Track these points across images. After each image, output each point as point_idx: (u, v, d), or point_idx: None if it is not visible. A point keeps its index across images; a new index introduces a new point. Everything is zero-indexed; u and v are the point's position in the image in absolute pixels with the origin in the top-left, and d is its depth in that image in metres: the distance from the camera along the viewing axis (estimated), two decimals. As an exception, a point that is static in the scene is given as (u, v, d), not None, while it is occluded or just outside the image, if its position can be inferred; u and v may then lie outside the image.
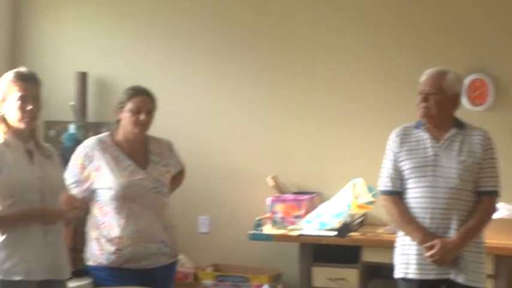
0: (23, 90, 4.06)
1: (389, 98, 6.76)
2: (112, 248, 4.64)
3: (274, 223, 6.46)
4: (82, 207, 4.59)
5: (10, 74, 4.13)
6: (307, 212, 6.41)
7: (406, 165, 4.50)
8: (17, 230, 4.03)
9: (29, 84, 4.10)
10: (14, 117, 4.07)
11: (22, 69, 4.19)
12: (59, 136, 6.99)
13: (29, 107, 4.06)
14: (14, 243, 4.02)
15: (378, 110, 6.78)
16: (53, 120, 6.93)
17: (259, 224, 6.31)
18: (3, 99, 4.09)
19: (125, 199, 4.66)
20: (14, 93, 4.05)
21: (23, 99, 4.05)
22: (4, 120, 4.10)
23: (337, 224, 6.16)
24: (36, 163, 4.15)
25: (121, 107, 4.79)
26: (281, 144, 7.04)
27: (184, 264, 6.62)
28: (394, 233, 4.83)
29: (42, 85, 4.19)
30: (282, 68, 7.04)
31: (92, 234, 4.75)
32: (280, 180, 6.85)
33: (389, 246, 4.86)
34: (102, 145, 4.76)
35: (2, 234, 4.02)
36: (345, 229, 6.12)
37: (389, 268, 4.72)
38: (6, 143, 4.07)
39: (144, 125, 4.77)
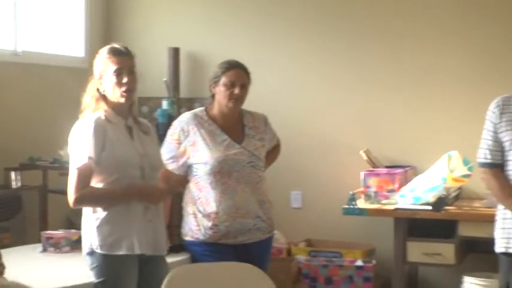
0: (117, 63, 4.09)
1: (485, 70, 6.62)
2: (208, 223, 4.64)
3: (368, 197, 6.38)
4: (179, 184, 4.61)
5: (104, 51, 4.19)
6: (401, 186, 6.32)
7: (506, 137, 4.34)
8: (119, 206, 4.04)
9: (123, 58, 4.13)
10: (112, 92, 4.09)
11: (115, 44, 4.24)
12: (152, 112, 7.01)
13: (125, 80, 4.07)
14: (116, 219, 4.06)
15: (473, 83, 6.65)
16: (145, 96, 6.94)
17: (352, 199, 6.22)
18: (101, 77, 4.13)
19: (221, 174, 4.65)
20: (110, 68, 4.09)
21: (119, 72, 4.07)
22: (104, 97, 4.12)
23: (432, 198, 6.05)
24: (136, 139, 4.18)
25: (215, 81, 4.78)
26: (374, 117, 6.96)
27: (278, 239, 6.58)
28: (492, 206, 4.71)
29: (135, 58, 4.20)
30: (375, 42, 6.95)
31: (188, 209, 4.75)
32: (372, 154, 6.77)
33: (486, 220, 4.79)
34: (198, 120, 4.76)
35: (104, 210, 4.04)
36: (440, 203, 6.00)
37: (487, 242, 4.62)
38: (107, 120, 4.10)
39: (238, 99, 4.75)
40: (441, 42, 6.76)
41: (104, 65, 4.12)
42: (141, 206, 4.10)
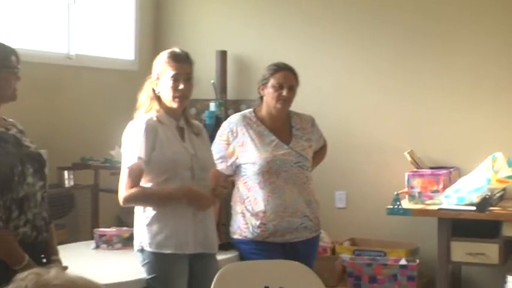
0: (175, 69, 4.14)
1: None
2: (257, 222, 4.67)
3: (412, 198, 6.38)
4: (227, 185, 4.64)
5: (164, 54, 4.22)
6: (445, 187, 6.29)
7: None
8: (169, 206, 4.10)
9: (182, 64, 4.17)
10: (167, 96, 4.14)
11: (176, 49, 4.27)
12: (200, 114, 7.06)
13: (181, 86, 4.11)
14: (165, 218, 4.12)
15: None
16: (193, 98, 6.90)
17: (397, 199, 6.23)
18: (158, 78, 4.17)
19: (269, 174, 4.68)
20: (168, 72, 4.12)
21: (175, 78, 4.11)
22: (158, 98, 4.16)
23: (476, 198, 6.03)
24: (187, 140, 4.21)
25: (264, 83, 4.81)
26: (418, 119, 6.95)
27: (322, 238, 6.59)
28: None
29: (194, 65, 4.24)
30: (421, 47, 6.94)
31: (237, 208, 4.79)
32: (417, 155, 6.77)
33: (531, 220, 4.73)
34: (246, 121, 4.79)
35: (153, 210, 4.10)
36: (484, 204, 5.98)
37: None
38: (159, 120, 4.14)
39: (286, 101, 4.77)
40: (485, 47, 6.74)
41: (163, 68, 4.17)
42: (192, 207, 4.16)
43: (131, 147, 4.10)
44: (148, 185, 4.12)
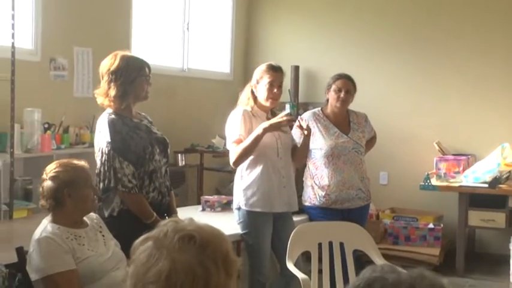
0: (272, 77, 4.10)
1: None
2: (322, 193, 4.62)
3: (439, 177, 6.28)
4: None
5: (264, 65, 4.18)
6: (464, 169, 6.21)
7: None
8: (261, 175, 4.06)
9: (277, 73, 4.13)
10: (262, 96, 4.11)
11: (272, 62, 4.22)
12: (278, 113, 7.03)
13: (275, 90, 4.09)
14: (257, 184, 4.08)
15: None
16: (274, 101, 6.99)
17: (427, 178, 6.15)
18: (257, 82, 4.14)
19: (332, 157, 4.62)
20: (265, 79, 4.09)
21: (271, 84, 4.08)
22: (255, 98, 4.14)
23: (488, 178, 5.94)
24: None
25: (328, 88, 4.76)
26: (444, 116, 6.83)
27: (370, 207, 6.53)
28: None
29: (285, 74, 4.20)
30: (446, 58, 6.82)
31: (307, 182, 4.74)
32: (443, 145, 6.66)
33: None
34: (316, 117, 4.74)
35: (248, 176, 4.07)
36: (495, 182, 5.89)
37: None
38: (253, 113, 4.11)
39: (344, 101, 4.70)
40: (496, 59, 6.62)
41: (262, 75, 4.12)
42: (277, 177, 4.11)
43: (233, 127, 4.08)
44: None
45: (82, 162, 3.04)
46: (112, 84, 3.43)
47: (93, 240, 2.99)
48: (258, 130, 3.98)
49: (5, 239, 3.72)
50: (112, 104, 3.46)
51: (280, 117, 4.02)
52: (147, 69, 3.54)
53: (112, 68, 3.44)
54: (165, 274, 1.40)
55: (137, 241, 1.50)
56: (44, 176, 2.97)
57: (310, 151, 4.68)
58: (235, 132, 4.06)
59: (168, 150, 3.69)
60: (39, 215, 3.10)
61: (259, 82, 4.12)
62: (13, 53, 4.31)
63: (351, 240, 4.06)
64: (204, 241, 1.46)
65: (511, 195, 5.86)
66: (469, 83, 6.73)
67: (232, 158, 4.09)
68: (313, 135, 4.62)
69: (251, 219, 4.09)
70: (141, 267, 1.43)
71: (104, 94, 3.46)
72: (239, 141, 4.04)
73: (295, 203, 4.28)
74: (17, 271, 2.87)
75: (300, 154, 4.38)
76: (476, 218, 5.99)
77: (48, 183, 2.93)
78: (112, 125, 3.40)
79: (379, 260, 3.95)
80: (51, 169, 2.97)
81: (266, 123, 3.99)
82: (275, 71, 4.12)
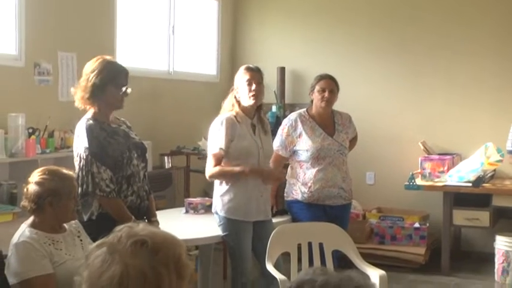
0: (249, 76, 4.16)
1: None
2: (305, 189, 4.69)
3: (424, 177, 6.34)
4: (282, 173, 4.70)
5: (241, 68, 4.27)
6: (449, 168, 6.26)
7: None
8: (238, 182, 4.13)
9: (254, 73, 4.20)
10: (244, 96, 4.16)
11: (250, 65, 4.29)
12: (265, 114, 7.02)
13: (253, 87, 4.15)
14: (234, 191, 4.14)
15: (505, 89, 6.59)
16: (260, 102, 7.05)
17: (412, 177, 6.21)
18: (237, 87, 4.20)
19: (318, 158, 4.69)
20: (243, 79, 4.16)
21: (249, 82, 4.15)
22: (238, 102, 4.20)
23: (472, 177, 6.00)
24: (257, 135, 4.22)
25: (312, 89, 4.84)
26: (429, 117, 6.90)
27: (356, 207, 6.61)
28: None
29: (263, 74, 4.28)
30: (429, 62, 6.89)
31: (291, 180, 4.81)
32: (428, 144, 6.72)
33: (514, 194, 4.67)
34: (302, 118, 4.80)
35: (226, 184, 4.14)
36: (479, 181, 5.95)
37: (514, 211, 4.53)
38: (238, 118, 4.16)
39: (328, 101, 4.77)
40: (482, 62, 6.68)
41: (240, 77, 4.20)
42: (255, 184, 4.15)
43: (215, 138, 4.15)
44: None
45: (70, 173, 3.10)
46: (84, 85, 3.52)
47: (71, 245, 3.05)
48: (242, 169, 4.06)
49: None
50: (81, 103, 3.54)
51: (270, 174, 4.14)
52: (123, 79, 3.57)
53: (88, 70, 3.54)
54: (117, 278, 1.47)
55: (92, 246, 1.57)
56: (31, 178, 3.03)
57: (295, 151, 4.76)
58: (216, 144, 4.13)
59: (147, 155, 3.76)
60: (23, 219, 3.15)
61: (239, 85, 4.19)
62: (-5, 59, 4.36)
63: (330, 240, 4.13)
64: (156, 246, 1.53)
65: (495, 194, 5.92)
66: (454, 83, 6.79)
67: (208, 172, 4.18)
68: (300, 137, 4.70)
69: (230, 224, 4.15)
70: (95, 271, 1.50)
71: (78, 91, 3.55)
72: (218, 155, 4.11)
73: (269, 212, 4.36)
74: (-5, 275, 2.93)
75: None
76: (460, 217, 6.05)
77: (33, 187, 2.99)
78: (90, 130, 3.47)
79: (357, 260, 4.02)
80: (39, 174, 3.03)
81: (255, 170, 4.11)
82: (252, 70, 4.21)
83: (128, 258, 1.49)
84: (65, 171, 3.08)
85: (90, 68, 3.56)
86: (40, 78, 5.22)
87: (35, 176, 3.02)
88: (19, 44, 5.05)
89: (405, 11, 6.99)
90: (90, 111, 3.56)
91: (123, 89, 3.57)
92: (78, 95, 3.56)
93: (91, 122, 3.50)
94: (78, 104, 3.57)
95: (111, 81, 3.53)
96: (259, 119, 4.30)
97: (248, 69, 4.22)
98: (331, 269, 1.42)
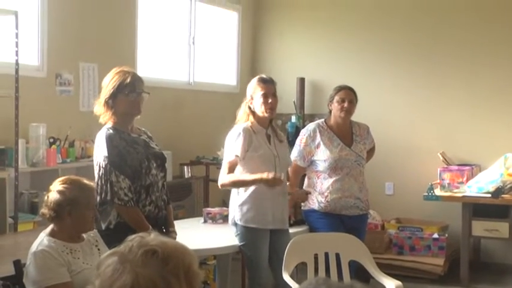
0: (264, 89, 4.16)
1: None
2: (322, 199, 4.70)
3: (443, 187, 6.32)
4: (304, 198, 4.74)
5: (255, 79, 4.26)
6: (468, 179, 6.24)
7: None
8: (256, 192, 4.12)
9: (268, 85, 4.19)
10: (259, 109, 4.17)
11: (263, 75, 4.30)
12: (284, 124, 7.10)
13: (270, 100, 4.15)
14: (252, 200, 4.15)
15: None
16: (279, 112, 6.90)
17: (431, 188, 6.19)
18: (251, 97, 4.20)
19: (335, 168, 4.71)
20: (259, 92, 4.16)
21: (265, 96, 4.15)
22: (253, 112, 4.21)
23: (491, 188, 5.97)
24: (272, 145, 4.23)
25: (331, 100, 4.84)
26: (448, 128, 6.87)
27: (375, 217, 6.59)
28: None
29: (277, 85, 4.28)
30: (450, 70, 6.89)
31: (308, 190, 4.81)
32: (447, 155, 6.70)
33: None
34: (320, 128, 4.81)
35: (244, 194, 4.14)
36: (498, 192, 5.91)
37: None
38: (253, 129, 4.17)
39: (348, 111, 4.78)
40: (500, 70, 6.66)
41: (254, 89, 4.19)
42: (273, 194, 4.14)
43: (232, 146, 4.15)
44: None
45: (91, 184, 3.12)
46: (100, 99, 3.59)
47: (89, 254, 3.07)
48: (255, 177, 4.03)
49: (8, 252, 3.81)
50: (102, 118, 3.59)
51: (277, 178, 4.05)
52: (131, 85, 3.56)
53: (103, 84, 3.60)
54: (128, 288, 1.48)
55: (104, 255, 1.58)
56: (52, 186, 3.06)
57: (313, 162, 4.76)
58: (232, 151, 4.13)
59: (166, 165, 3.77)
60: (44, 228, 3.18)
61: (254, 97, 4.19)
62: (17, 70, 4.42)
63: (347, 251, 4.13)
64: (166, 255, 1.54)
65: (514, 205, 5.88)
66: (473, 94, 6.76)
67: (221, 180, 4.18)
68: (318, 147, 4.72)
69: (247, 233, 4.16)
70: (107, 280, 1.51)
71: (98, 103, 3.61)
72: (233, 162, 4.12)
73: (287, 221, 4.34)
74: (14, 284, 2.96)
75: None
76: (480, 228, 6.01)
77: (53, 195, 3.01)
78: (109, 139, 3.50)
79: (374, 271, 4.01)
80: (60, 182, 3.05)
81: (266, 179, 4.01)
82: (266, 82, 4.19)
83: (139, 268, 1.50)
84: (85, 181, 3.11)
85: (104, 81, 3.61)
86: (61, 88, 5.29)
87: (57, 184, 3.06)
88: (41, 54, 5.12)
89: (426, 20, 6.97)
90: (110, 122, 3.59)
91: (134, 95, 3.58)
92: (98, 110, 3.60)
93: (111, 131, 3.53)
94: (102, 119, 3.60)
95: (119, 89, 3.55)
96: (272, 128, 4.31)
97: (262, 81, 4.21)
98: (334, 280, 1.42)
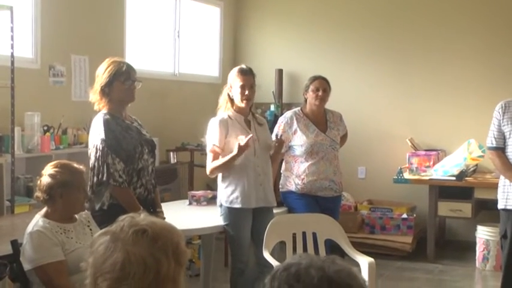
0: (242, 80, 4.15)
1: (496, 81, 6.55)
2: (299, 182, 4.70)
3: (411, 171, 6.37)
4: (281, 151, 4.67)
5: (235, 69, 4.24)
6: (434, 163, 6.29)
7: (506, 129, 4.24)
8: (237, 175, 4.13)
9: (247, 76, 4.18)
10: (237, 98, 4.17)
11: (243, 66, 4.28)
12: (263, 113, 7.09)
13: (246, 92, 4.14)
14: (235, 183, 4.15)
15: (486, 89, 6.57)
16: (259, 102, 7.01)
17: (400, 172, 6.23)
18: (231, 86, 4.20)
19: (311, 152, 4.71)
20: (237, 82, 4.15)
21: (243, 87, 4.14)
22: (231, 100, 4.20)
23: (456, 171, 6.02)
24: (252, 129, 4.22)
25: (306, 89, 4.84)
26: (416, 115, 6.93)
27: (348, 199, 6.63)
28: (498, 177, 4.60)
29: (256, 77, 4.27)
30: (417, 62, 6.92)
31: (285, 173, 4.82)
32: (415, 141, 6.73)
33: (494, 187, 4.63)
34: (296, 116, 4.81)
35: (227, 178, 4.14)
36: (462, 175, 5.97)
37: (494, 202, 4.50)
38: (229, 117, 4.17)
39: (322, 99, 4.78)
40: (465, 60, 6.71)
41: (234, 79, 4.18)
42: (254, 175, 4.16)
43: (210, 136, 4.18)
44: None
45: (81, 167, 3.10)
46: (96, 87, 3.57)
47: (81, 234, 3.06)
48: (229, 156, 4.05)
49: (6, 233, 3.79)
50: (97, 105, 3.57)
51: (241, 146, 4.03)
52: (127, 73, 3.55)
53: (97, 73, 3.58)
54: (119, 265, 1.48)
55: (96, 234, 1.58)
56: (44, 171, 3.04)
57: (291, 147, 4.77)
58: (210, 141, 4.17)
59: (156, 151, 3.76)
60: (39, 210, 3.17)
61: (233, 86, 4.19)
62: (12, 62, 4.37)
63: (323, 230, 4.14)
64: (156, 234, 1.54)
65: (477, 187, 5.94)
66: (440, 84, 6.81)
67: (207, 168, 4.20)
68: (295, 133, 4.72)
69: (231, 214, 4.17)
70: (99, 258, 1.51)
71: (93, 91, 3.59)
72: (213, 152, 4.14)
73: (273, 199, 4.32)
74: (12, 262, 2.95)
75: (273, 158, 4.50)
76: (445, 208, 6.07)
77: (45, 179, 3.00)
78: (107, 123, 3.48)
79: (348, 249, 4.03)
80: (51, 167, 3.04)
81: (235, 153, 4.03)
82: (245, 74, 4.18)
83: (130, 246, 1.51)
84: (75, 165, 3.09)
85: (99, 70, 3.58)
86: (54, 79, 5.25)
87: (48, 168, 3.04)
88: (35, 47, 5.08)
89: (395, 14, 7.01)
90: (105, 109, 3.57)
91: (129, 82, 3.57)
92: (93, 98, 3.57)
93: (107, 116, 3.52)
94: (96, 107, 3.57)
95: (116, 77, 3.53)
96: (252, 114, 4.31)
97: (242, 72, 4.19)
98: (316, 255, 1.43)
